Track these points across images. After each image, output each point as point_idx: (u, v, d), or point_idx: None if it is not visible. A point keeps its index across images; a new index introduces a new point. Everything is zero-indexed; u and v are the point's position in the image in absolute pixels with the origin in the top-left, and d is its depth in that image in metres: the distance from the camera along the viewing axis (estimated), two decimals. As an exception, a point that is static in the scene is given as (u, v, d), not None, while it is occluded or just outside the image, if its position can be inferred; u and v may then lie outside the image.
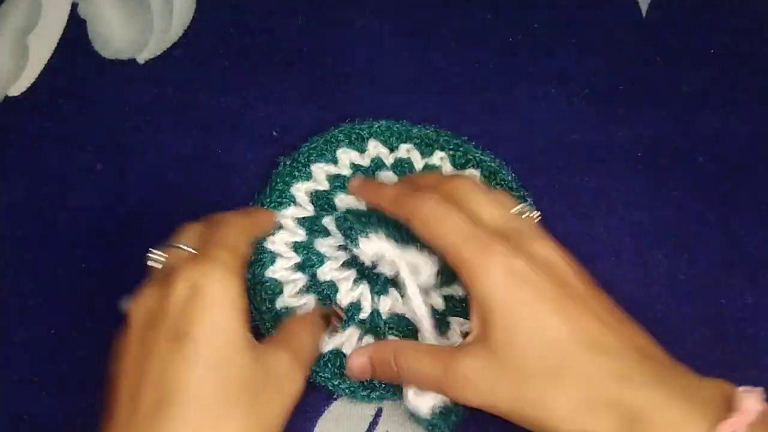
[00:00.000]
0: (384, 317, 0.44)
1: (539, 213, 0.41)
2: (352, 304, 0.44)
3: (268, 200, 0.48)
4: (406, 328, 0.44)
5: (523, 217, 0.39)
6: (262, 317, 0.44)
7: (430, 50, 0.55)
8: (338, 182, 0.48)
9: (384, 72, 0.54)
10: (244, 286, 0.35)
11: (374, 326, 0.44)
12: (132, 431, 0.31)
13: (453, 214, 0.37)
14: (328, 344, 0.43)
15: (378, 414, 0.43)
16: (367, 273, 0.45)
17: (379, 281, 0.45)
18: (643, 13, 0.56)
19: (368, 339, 0.44)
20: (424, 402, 0.39)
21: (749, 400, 0.31)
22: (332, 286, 0.45)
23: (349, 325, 0.44)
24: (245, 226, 0.39)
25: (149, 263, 0.38)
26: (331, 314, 0.43)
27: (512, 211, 0.39)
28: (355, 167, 0.49)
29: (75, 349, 0.45)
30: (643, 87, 0.53)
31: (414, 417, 0.40)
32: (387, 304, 0.44)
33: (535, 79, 0.53)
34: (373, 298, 0.45)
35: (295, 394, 0.36)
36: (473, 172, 0.48)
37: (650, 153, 0.50)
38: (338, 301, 0.45)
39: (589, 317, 0.34)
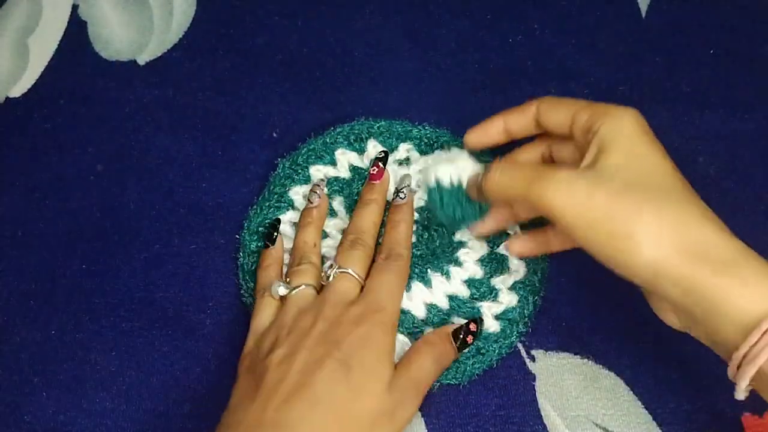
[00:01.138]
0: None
1: None
2: None
3: (266, 204, 0.48)
4: (412, 326, 0.44)
5: None
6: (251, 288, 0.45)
7: (430, 50, 0.55)
8: (337, 186, 0.48)
9: (384, 72, 0.54)
10: (394, 336, 0.41)
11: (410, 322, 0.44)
12: (276, 396, 0.37)
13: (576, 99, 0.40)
14: None
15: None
16: None
17: None
18: (643, 13, 0.56)
19: (400, 337, 0.44)
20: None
21: None
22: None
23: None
24: (406, 275, 0.44)
25: (330, 277, 0.43)
26: (462, 331, 0.43)
27: None
28: (354, 169, 0.49)
29: (75, 349, 0.45)
30: (643, 87, 0.53)
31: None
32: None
33: (535, 79, 0.53)
34: None
35: (406, 422, 0.39)
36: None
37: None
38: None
39: (689, 190, 0.37)
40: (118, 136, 0.52)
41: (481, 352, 0.43)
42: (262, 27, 0.56)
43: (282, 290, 0.43)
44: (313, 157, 0.49)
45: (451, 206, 0.42)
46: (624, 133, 0.37)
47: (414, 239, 0.45)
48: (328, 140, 0.50)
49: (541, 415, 0.42)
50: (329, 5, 0.57)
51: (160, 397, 0.43)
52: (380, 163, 0.47)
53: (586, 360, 0.44)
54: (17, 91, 0.54)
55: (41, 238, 0.48)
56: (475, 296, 0.45)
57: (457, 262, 0.46)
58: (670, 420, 0.41)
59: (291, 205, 0.48)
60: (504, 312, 0.45)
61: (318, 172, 0.49)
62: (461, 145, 0.46)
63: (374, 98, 0.53)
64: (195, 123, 0.52)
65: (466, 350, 0.43)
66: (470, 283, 0.45)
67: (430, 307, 0.45)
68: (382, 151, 0.48)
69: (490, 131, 0.44)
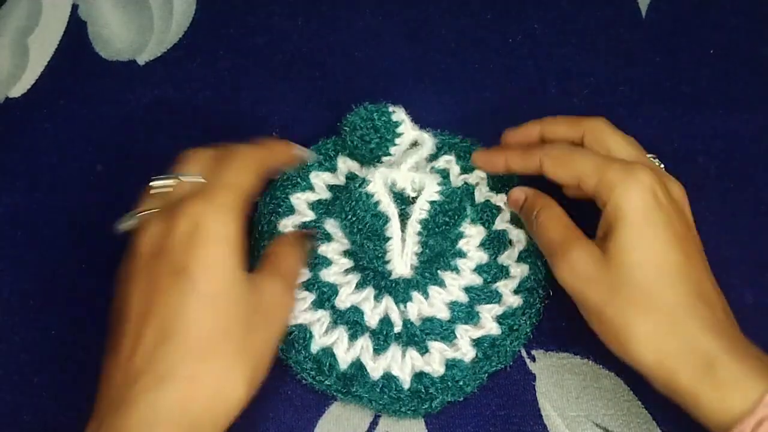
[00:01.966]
0: (417, 324, 0.44)
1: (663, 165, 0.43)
2: (353, 308, 0.44)
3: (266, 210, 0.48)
4: (442, 329, 0.44)
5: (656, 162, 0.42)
6: None
7: (429, 51, 0.55)
8: (322, 208, 0.48)
9: (384, 72, 0.54)
10: (243, 223, 0.36)
11: (411, 336, 0.44)
12: (134, 362, 0.33)
13: (585, 151, 0.40)
14: (377, 369, 0.43)
15: (378, 415, 0.43)
16: (385, 285, 0.45)
17: (399, 289, 0.44)
18: (643, 13, 0.56)
19: (412, 352, 0.43)
20: None
21: None
22: (357, 312, 0.44)
23: (388, 344, 0.43)
24: (255, 159, 0.39)
25: (152, 191, 0.38)
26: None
27: (647, 155, 0.42)
28: (332, 188, 0.48)
29: (75, 349, 0.45)
30: (642, 87, 0.53)
31: None
32: (414, 310, 0.44)
33: (535, 79, 0.53)
34: (398, 307, 0.44)
35: (284, 318, 0.37)
36: (480, 175, 0.48)
37: (650, 153, 0.50)
38: (337, 304, 0.44)
39: (699, 266, 0.37)
40: (118, 136, 0.52)
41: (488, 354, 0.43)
42: (262, 27, 0.56)
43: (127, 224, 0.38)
44: (290, 185, 0.48)
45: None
46: (632, 213, 0.37)
47: (417, 248, 0.44)
48: (299, 165, 0.49)
49: (541, 415, 0.42)
50: (329, 5, 0.57)
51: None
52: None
53: (586, 360, 0.44)
54: (17, 91, 0.54)
55: (41, 238, 0.48)
56: (488, 281, 0.45)
57: (461, 254, 0.46)
58: (670, 420, 0.41)
59: (290, 211, 0.48)
60: (517, 286, 0.45)
61: (299, 200, 0.48)
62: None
63: (374, 98, 0.52)
64: (195, 123, 0.52)
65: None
66: (480, 269, 0.46)
67: (452, 306, 0.44)
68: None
69: (494, 163, 0.45)
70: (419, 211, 0.44)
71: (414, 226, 0.44)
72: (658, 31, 0.55)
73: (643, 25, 0.55)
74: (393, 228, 0.44)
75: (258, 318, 0.35)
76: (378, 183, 0.44)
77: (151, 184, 0.38)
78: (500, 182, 0.48)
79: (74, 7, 0.58)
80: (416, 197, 0.45)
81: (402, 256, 0.44)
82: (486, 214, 0.47)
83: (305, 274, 0.45)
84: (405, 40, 0.55)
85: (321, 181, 0.48)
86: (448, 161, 0.49)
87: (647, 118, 0.52)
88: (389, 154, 0.45)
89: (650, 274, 0.36)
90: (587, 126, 0.42)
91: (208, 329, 0.33)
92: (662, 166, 0.44)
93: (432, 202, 0.44)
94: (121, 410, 0.32)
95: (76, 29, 0.57)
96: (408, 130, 0.45)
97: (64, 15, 0.57)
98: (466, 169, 0.49)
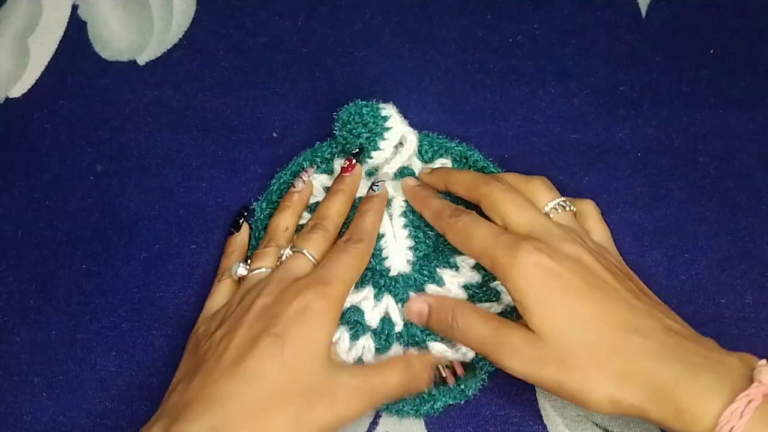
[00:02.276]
0: (417, 326, 0.44)
1: (573, 208, 0.43)
2: (353, 308, 0.44)
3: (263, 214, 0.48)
4: None
5: (558, 212, 0.43)
6: None
7: (430, 50, 0.55)
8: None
9: (384, 72, 0.54)
10: (340, 311, 0.41)
11: (412, 336, 0.44)
12: (209, 390, 0.36)
13: (482, 225, 0.41)
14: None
15: (378, 414, 0.43)
16: (384, 283, 0.45)
17: (398, 287, 0.44)
18: (643, 13, 0.56)
19: (413, 351, 0.43)
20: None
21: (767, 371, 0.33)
22: (357, 311, 0.44)
23: (390, 343, 0.43)
24: (364, 258, 0.43)
25: (284, 258, 0.43)
26: (445, 368, 0.42)
27: (545, 209, 0.43)
28: (328, 190, 0.48)
29: (75, 349, 0.45)
30: (643, 87, 0.53)
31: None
32: None
33: (535, 79, 0.53)
34: (398, 305, 0.44)
35: (347, 414, 0.38)
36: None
37: (650, 153, 0.50)
38: (368, 322, 0.44)
39: (618, 302, 0.37)
40: (118, 136, 0.52)
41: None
42: (262, 27, 0.56)
43: (242, 271, 0.44)
44: (286, 189, 0.48)
45: None
46: (528, 295, 0.38)
47: (413, 243, 0.45)
48: (294, 170, 0.49)
49: (541, 415, 0.42)
50: (329, 5, 0.57)
51: (160, 397, 0.43)
52: (353, 159, 0.47)
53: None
54: (17, 91, 0.54)
55: (41, 238, 0.48)
56: (487, 278, 0.45)
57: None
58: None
59: None
60: None
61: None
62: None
63: (374, 98, 0.52)
64: (195, 123, 0.52)
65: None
66: (478, 266, 0.46)
67: None
68: (358, 148, 0.48)
69: (414, 202, 0.47)
70: (397, 207, 0.46)
71: (398, 221, 0.45)
72: (658, 31, 0.55)
73: (643, 25, 0.55)
74: (385, 225, 0.45)
75: (323, 399, 0.37)
76: (363, 188, 0.46)
77: (282, 252, 0.44)
78: None
79: (74, 8, 0.58)
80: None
81: (397, 251, 0.45)
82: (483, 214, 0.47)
83: None
84: (405, 41, 0.55)
85: (318, 183, 0.49)
86: (443, 164, 0.49)
87: (647, 118, 0.52)
88: (378, 149, 0.46)
89: (573, 336, 0.37)
90: (482, 193, 0.43)
91: (277, 386, 0.37)
92: (570, 208, 0.43)
93: (406, 200, 0.46)
94: (182, 422, 0.35)
95: (77, 29, 0.57)
96: (397, 124, 0.47)
97: (65, 15, 0.57)
98: None
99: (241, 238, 0.47)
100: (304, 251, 0.43)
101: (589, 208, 0.45)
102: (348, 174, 0.47)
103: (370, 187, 0.47)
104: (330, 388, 0.38)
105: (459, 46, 0.55)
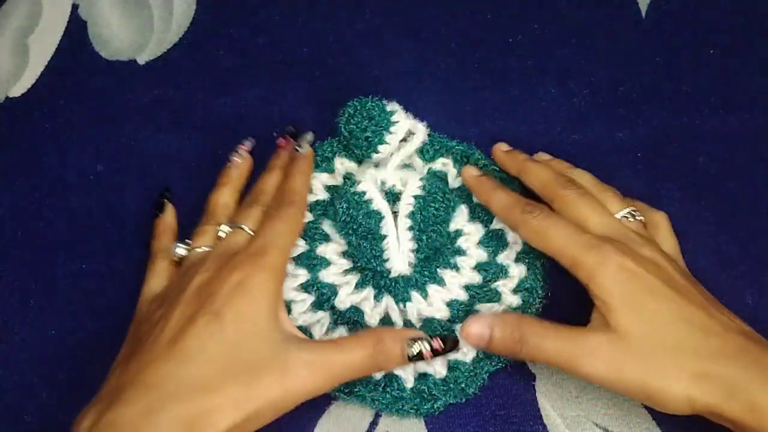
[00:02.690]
0: (417, 326, 0.44)
1: (643, 219, 0.44)
2: (353, 308, 0.44)
3: None
4: (442, 329, 0.44)
5: (629, 221, 0.43)
6: None
7: (430, 50, 0.55)
8: (320, 209, 0.48)
9: (384, 72, 0.54)
10: (281, 279, 0.41)
11: None
12: (147, 374, 0.36)
13: (560, 223, 0.41)
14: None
15: (378, 414, 0.43)
16: (384, 284, 0.45)
17: (398, 288, 0.44)
18: (643, 13, 0.56)
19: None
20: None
21: None
22: (357, 312, 0.44)
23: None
24: (297, 221, 0.43)
25: (219, 234, 0.43)
26: (422, 341, 0.41)
27: (617, 215, 0.43)
28: (330, 188, 0.48)
29: (75, 349, 0.45)
30: (643, 87, 0.53)
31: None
32: (414, 310, 0.44)
33: (535, 79, 0.53)
34: (398, 306, 0.44)
35: (300, 390, 0.37)
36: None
37: (650, 153, 0.50)
38: (336, 305, 0.44)
39: (695, 305, 0.38)
40: (118, 136, 0.52)
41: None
42: (262, 27, 0.56)
43: (180, 251, 0.44)
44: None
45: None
46: (615, 292, 0.38)
47: (415, 246, 0.44)
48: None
49: (541, 415, 0.42)
50: (329, 5, 0.57)
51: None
52: (289, 136, 0.49)
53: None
54: (17, 90, 0.54)
55: (41, 238, 0.48)
56: (488, 279, 0.45)
57: (461, 252, 0.46)
58: (670, 420, 0.41)
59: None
60: (520, 284, 0.45)
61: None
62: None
63: (375, 97, 0.53)
64: (195, 123, 0.52)
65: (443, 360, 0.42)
66: (479, 267, 0.46)
67: (451, 304, 0.44)
68: (291, 126, 0.49)
69: (480, 193, 0.46)
70: (405, 206, 0.44)
71: (404, 221, 0.44)
72: (658, 30, 0.55)
73: (643, 24, 0.55)
74: (388, 225, 0.44)
75: (272, 374, 0.37)
76: (368, 182, 0.45)
77: (220, 227, 0.43)
78: None
79: (74, 7, 0.58)
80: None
81: (399, 254, 0.44)
82: (483, 213, 0.47)
83: (304, 276, 0.45)
84: (405, 40, 0.55)
85: (319, 182, 0.48)
86: (444, 163, 0.49)
87: (647, 118, 0.52)
88: (385, 142, 0.46)
89: (658, 336, 0.37)
90: (558, 194, 0.43)
91: (221, 364, 0.36)
92: (640, 218, 0.44)
93: (416, 197, 0.44)
94: (117, 406, 0.34)
95: (77, 29, 0.57)
96: (402, 118, 0.46)
97: (65, 15, 0.57)
98: None
99: (168, 218, 0.47)
100: (243, 226, 0.42)
101: (660, 219, 0.45)
102: (283, 150, 0.48)
103: (294, 148, 0.47)
104: (279, 362, 0.37)
105: (459, 46, 0.55)
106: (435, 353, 0.40)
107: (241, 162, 0.48)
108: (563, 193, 0.43)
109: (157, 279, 0.43)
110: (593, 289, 0.39)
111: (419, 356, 0.40)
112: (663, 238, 0.44)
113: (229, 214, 0.45)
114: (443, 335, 0.41)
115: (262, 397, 0.36)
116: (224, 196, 0.46)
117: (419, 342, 0.40)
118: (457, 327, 0.44)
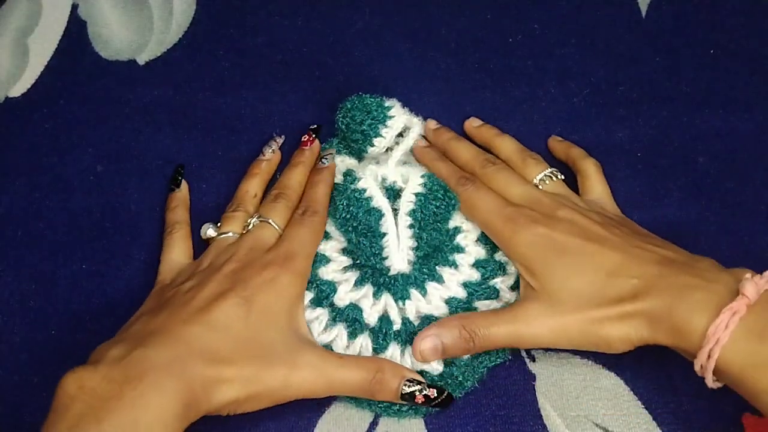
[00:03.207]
0: (416, 324, 0.44)
1: (561, 177, 0.47)
2: (351, 306, 0.44)
3: None
4: None
5: (547, 183, 0.46)
6: None
7: (430, 50, 0.55)
8: None
9: (384, 72, 0.54)
10: (306, 284, 0.44)
11: (410, 335, 0.43)
12: (178, 314, 0.39)
13: (486, 197, 0.45)
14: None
15: (378, 414, 0.43)
16: (383, 282, 0.45)
17: (398, 286, 0.44)
18: (643, 13, 0.56)
19: (411, 350, 0.43)
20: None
21: (752, 283, 0.36)
22: (356, 309, 0.44)
23: (387, 342, 0.43)
24: (321, 229, 0.46)
25: (249, 224, 0.45)
26: (416, 384, 0.41)
27: (536, 179, 0.47)
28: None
29: (75, 350, 0.45)
30: (643, 87, 0.53)
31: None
32: (413, 308, 0.44)
33: (535, 79, 0.53)
34: (397, 304, 0.44)
35: (299, 390, 0.39)
36: None
37: (650, 153, 0.50)
38: (335, 302, 0.44)
39: (611, 253, 0.40)
40: (118, 136, 0.52)
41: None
42: (262, 27, 0.56)
43: (211, 232, 0.46)
44: None
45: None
46: (530, 258, 0.42)
47: (415, 243, 0.44)
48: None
49: (541, 415, 0.42)
50: (329, 5, 0.57)
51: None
52: (312, 134, 0.50)
53: (586, 360, 0.44)
54: (17, 90, 0.54)
55: (41, 238, 0.48)
56: (486, 276, 0.45)
57: (459, 249, 0.46)
58: (670, 420, 0.41)
59: None
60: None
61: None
62: None
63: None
64: (195, 123, 0.52)
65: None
66: (478, 264, 0.46)
67: (450, 301, 0.44)
68: (317, 125, 0.50)
69: (426, 161, 0.49)
70: (406, 203, 0.44)
71: (404, 219, 0.44)
72: (658, 30, 0.55)
73: (643, 24, 0.55)
74: (388, 223, 0.44)
75: (281, 365, 0.39)
76: (369, 179, 0.45)
77: (250, 220, 0.46)
78: None
79: (74, 7, 0.58)
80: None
81: (398, 252, 0.44)
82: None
83: None
84: (405, 40, 0.55)
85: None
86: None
87: (647, 117, 0.52)
88: (380, 136, 0.46)
89: (575, 287, 0.40)
90: (478, 174, 0.47)
91: (239, 343, 0.39)
92: (559, 177, 0.47)
93: (417, 194, 0.44)
94: (146, 347, 0.37)
95: (76, 29, 0.57)
96: (399, 113, 0.47)
97: (64, 15, 0.57)
98: None
99: (182, 193, 0.49)
100: (270, 221, 0.45)
101: (588, 167, 0.48)
102: (307, 147, 0.49)
103: (320, 160, 0.49)
104: (290, 358, 0.39)
105: (459, 46, 0.55)
106: (426, 400, 0.41)
107: (272, 156, 0.50)
108: (482, 172, 0.47)
109: (178, 250, 0.46)
110: (513, 259, 0.43)
111: (411, 397, 0.41)
112: (591, 186, 0.47)
113: (256, 203, 0.48)
114: (440, 387, 0.41)
115: (267, 383, 0.38)
116: (254, 186, 0.48)
117: (416, 385, 0.41)
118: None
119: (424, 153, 0.49)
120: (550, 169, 0.47)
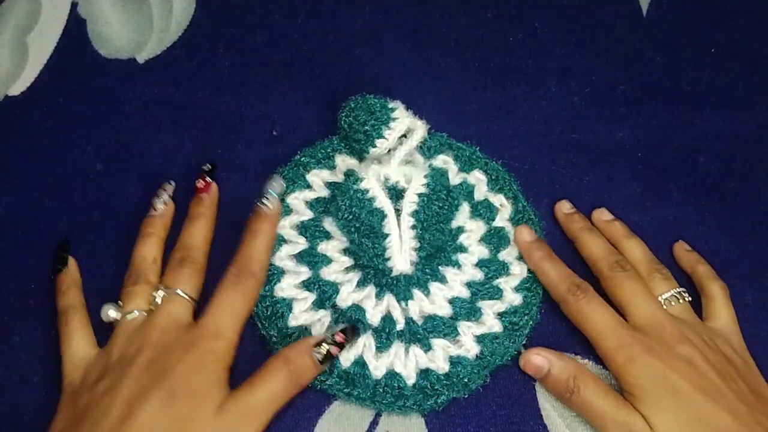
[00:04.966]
0: (419, 323, 0.44)
1: (690, 298, 0.45)
2: (354, 306, 0.44)
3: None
4: (444, 326, 0.44)
5: (673, 305, 0.44)
6: (270, 335, 0.44)
7: (430, 49, 0.55)
8: (320, 206, 0.48)
9: (384, 71, 0.54)
10: (236, 348, 0.40)
11: (414, 334, 0.44)
12: (100, 427, 0.36)
13: (599, 314, 0.42)
14: (379, 367, 0.43)
15: (378, 414, 0.43)
16: (386, 282, 0.45)
17: (400, 286, 0.44)
18: (644, 12, 0.56)
19: (416, 349, 0.43)
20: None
21: None
22: (359, 310, 0.44)
23: (390, 342, 0.43)
24: (255, 297, 0.43)
25: (158, 300, 0.42)
26: (327, 342, 0.41)
27: (663, 297, 0.44)
28: (331, 185, 0.48)
29: (75, 349, 0.45)
30: (643, 86, 0.53)
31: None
32: (416, 308, 0.44)
33: (535, 79, 0.53)
34: (400, 304, 0.44)
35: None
36: (479, 176, 0.48)
37: (650, 153, 0.50)
38: (338, 303, 0.44)
39: (723, 407, 0.39)
40: (117, 135, 0.52)
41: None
42: (261, 26, 0.56)
43: (113, 314, 0.42)
44: (285, 185, 0.48)
45: None
46: (639, 391, 0.40)
47: (416, 244, 0.44)
48: (295, 168, 0.49)
49: (541, 415, 0.42)
50: (329, 4, 0.56)
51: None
52: (207, 176, 0.46)
53: (586, 360, 0.44)
54: (16, 89, 0.54)
55: (41, 238, 0.48)
56: (489, 276, 0.45)
57: (462, 249, 0.46)
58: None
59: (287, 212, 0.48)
60: (521, 283, 0.45)
61: (296, 199, 0.48)
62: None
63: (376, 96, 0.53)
64: (195, 122, 0.52)
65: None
66: (481, 264, 0.46)
67: (453, 302, 0.44)
68: (209, 164, 0.48)
69: (528, 255, 0.46)
70: (409, 204, 0.44)
71: (407, 220, 0.43)
72: (659, 30, 0.55)
73: (644, 24, 0.55)
74: (390, 224, 0.43)
75: None
76: (371, 179, 0.44)
77: (156, 294, 0.42)
78: (498, 184, 0.48)
79: (73, 5, 0.57)
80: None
81: (401, 252, 0.44)
82: (485, 210, 0.47)
83: (305, 273, 0.45)
84: (405, 39, 0.55)
85: (319, 179, 0.48)
86: (446, 161, 0.49)
87: (648, 117, 0.52)
88: (383, 137, 0.45)
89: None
90: (606, 276, 0.44)
91: None
92: (686, 299, 0.45)
93: (420, 194, 0.44)
94: None
95: (76, 27, 0.56)
96: (403, 115, 0.46)
97: (64, 13, 0.57)
98: (464, 169, 0.49)
99: (71, 272, 0.45)
100: (179, 291, 0.42)
101: (715, 291, 0.45)
102: (206, 195, 0.46)
103: (260, 199, 0.44)
104: (221, 429, 0.37)
105: (459, 45, 0.55)
106: (341, 346, 0.41)
107: (164, 209, 0.46)
108: (610, 275, 0.44)
109: (79, 340, 0.42)
110: (622, 385, 0.41)
111: (329, 356, 0.40)
112: (716, 312, 0.45)
113: (157, 271, 0.44)
114: (343, 327, 0.41)
115: None
116: (150, 250, 0.44)
117: (323, 345, 0.40)
118: (460, 324, 0.44)
119: (531, 249, 0.46)
120: (678, 289, 0.45)
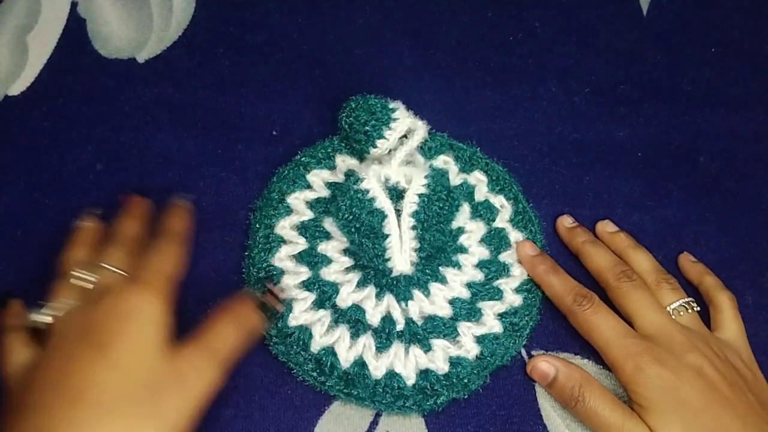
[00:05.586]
0: (419, 324, 0.44)
1: (697, 308, 0.44)
2: (354, 307, 0.44)
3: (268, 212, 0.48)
4: (444, 327, 0.44)
5: (681, 315, 0.43)
6: (271, 335, 0.44)
7: (430, 48, 0.55)
8: (320, 207, 0.48)
9: (384, 70, 0.54)
10: (170, 304, 0.39)
11: (414, 335, 0.44)
12: (48, 419, 0.34)
13: (606, 323, 0.42)
14: (379, 368, 0.43)
15: (378, 414, 0.43)
16: (386, 283, 0.45)
17: (400, 287, 0.44)
18: (644, 11, 0.56)
19: (416, 350, 0.43)
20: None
21: None
22: (358, 310, 0.44)
23: (390, 342, 0.43)
24: (180, 261, 0.43)
25: (74, 281, 0.40)
26: (269, 301, 0.42)
27: (671, 307, 0.44)
28: (331, 185, 0.48)
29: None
30: (644, 86, 0.53)
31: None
32: (416, 308, 0.44)
33: (535, 78, 0.53)
34: (400, 305, 0.44)
35: (201, 388, 0.37)
36: (480, 177, 0.48)
37: (650, 153, 0.50)
38: (338, 303, 0.44)
39: (732, 419, 0.39)
40: (117, 135, 0.52)
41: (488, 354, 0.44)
42: (261, 25, 0.56)
43: (36, 316, 0.40)
44: (285, 185, 0.48)
45: None
46: (646, 400, 0.40)
47: (417, 244, 0.44)
48: (295, 168, 0.49)
49: (541, 415, 0.43)
50: (329, 3, 0.56)
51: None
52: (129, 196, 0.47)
53: (586, 360, 0.44)
54: (16, 89, 0.54)
55: (41, 238, 0.48)
56: (490, 277, 0.45)
57: (463, 249, 0.46)
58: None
59: (287, 211, 0.48)
60: (521, 283, 0.46)
61: (296, 199, 0.48)
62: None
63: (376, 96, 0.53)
64: (195, 121, 0.52)
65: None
66: (481, 264, 0.46)
67: (454, 302, 0.44)
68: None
69: (531, 267, 0.46)
70: (409, 204, 0.43)
71: (407, 220, 0.43)
72: (659, 29, 0.55)
73: (644, 23, 0.55)
74: (391, 224, 0.43)
75: (171, 385, 0.36)
76: (372, 180, 0.44)
77: (72, 272, 0.41)
78: (498, 185, 0.48)
79: (73, 5, 0.57)
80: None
81: (401, 253, 0.43)
82: (486, 211, 0.47)
83: (305, 273, 0.45)
84: (405, 38, 0.55)
85: (319, 179, 0.48)
86: (446, 161, 0.49)
87: (648, 116, 0.52)
88: (383, 137, 0.45)
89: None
90: (612, 286, 0.44)
91: (121, 395, 0.35)
92: (694, 309, 0.44)
93: (420, 195, 0.44)
94: None
95: (76, 27, 0.56)
96: (404, 115, 0.46)
97: (64, 12, 0.57)
98: (464, 169, 0.49)
99: (13, 311, 0.43)
100: (104, 264, 0.41)
101: (723, 302, 0.45)
102: (133, 203, 0.46)
103: (174, 200, 0.46)
104: (176, 372, 0.37)
105: (459, 44, 0.55)
106: (270, 291, 0.43)
107: (90, 224, 0.46)
108: (616, 285, 0.44)
109: (20, 348, 0.40)
110: (630, 395, 0.41)
111: (276, 312, 0.42)
112: (725, 323, 0.44)
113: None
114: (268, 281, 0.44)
115: (172, 409, 0.36)
116: (79, 253, 0.43)
117: (258, 293, 0.43)
118: (460, 325, 0.44)
119: (534, 263, 0.45)
120: (686, 299, 0.44)
